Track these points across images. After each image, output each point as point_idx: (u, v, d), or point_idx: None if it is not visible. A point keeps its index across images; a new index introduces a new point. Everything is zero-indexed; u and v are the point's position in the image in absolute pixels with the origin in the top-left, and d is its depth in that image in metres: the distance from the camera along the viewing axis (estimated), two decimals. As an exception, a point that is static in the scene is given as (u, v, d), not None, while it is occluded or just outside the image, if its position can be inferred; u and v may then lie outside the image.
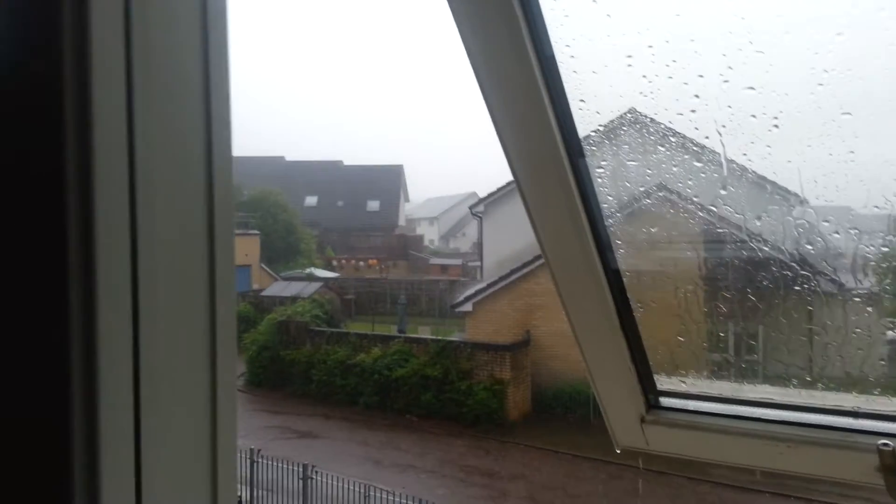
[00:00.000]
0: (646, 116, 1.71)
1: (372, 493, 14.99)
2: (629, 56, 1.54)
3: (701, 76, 1.53)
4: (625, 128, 1.74)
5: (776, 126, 1.53)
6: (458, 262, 52.60)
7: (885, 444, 1.55)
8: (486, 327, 24.43)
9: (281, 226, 50.66)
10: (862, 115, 1.45)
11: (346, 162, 71.68)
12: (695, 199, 1.84)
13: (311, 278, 39.34)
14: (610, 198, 1.74)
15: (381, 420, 22.19)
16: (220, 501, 0.86)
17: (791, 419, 1.74)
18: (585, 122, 1.59)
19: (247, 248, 41.62)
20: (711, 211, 1.80)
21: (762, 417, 1.78)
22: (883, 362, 1.79)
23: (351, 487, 15.12)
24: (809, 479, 1.70)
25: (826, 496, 14.29)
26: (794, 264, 1.75)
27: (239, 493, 15.19)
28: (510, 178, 1.68)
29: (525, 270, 23.67)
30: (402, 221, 69.58)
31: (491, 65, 1.48)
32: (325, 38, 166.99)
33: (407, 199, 74.77)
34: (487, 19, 1.41)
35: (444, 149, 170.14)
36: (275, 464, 16.12)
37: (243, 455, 15.85)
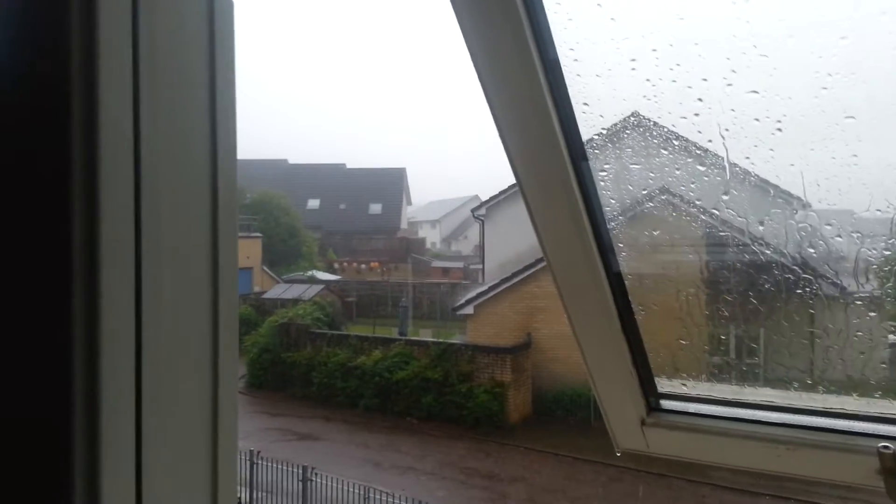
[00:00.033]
0: (649, 120, 1.71)
1: (372, 495, 14.97)
2: (633, 59, 1.54)
3: (704, 80, 1.53)
4: (628, 131, 1.75)
5: (779, 130, 1.53)
6: (459, 264, 52.55)
7: (886, 447, 1.55)
8: (487, 330, 24.41)
9: (283, 228, 50.64)
10: (865, 118, 1.46)
11: (349, 165, 71.75)
12: (697, 202, 1.84)
13: (313, 281, 39.29)
14: (612, 201, 1.74)
15: (381, 422, 22.17)
16: (220, 502, 0.87)
17: (792, 422, 1.74)
18: (588, 126, 1.59)
19: (249, 251, 41.58)
20: (714, 214, 1.80)
21: (763, 420, 1.78)
22: (884, 365, 1.79)
23: (351, 489, 15.10)
24: (810, 481, 1.70)
25: (826, 499, 14.26)
26: (796, 267, 1.75)
27: (238, 495, 15.19)
28: (512, 181, 1.68)
29: (526, 273, 23.65)
30: (404, 224, 69.56)
31: (494, 68, 1.49)
32: (329, 42, 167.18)
33: (409, 202, 74.77)
34: (491, 23, 1.42)
35: (447, 152, 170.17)
36: (274, 465, 16.11)
37: (243, 456, 15.83)
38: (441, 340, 24.67)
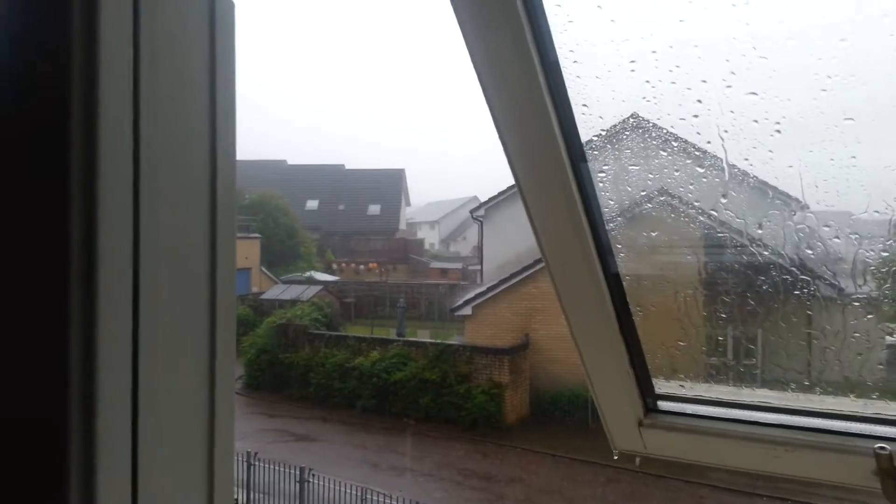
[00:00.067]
0: (648, 121, 1.71)
1: (369, 497, 14.97)
2: (632, 61, 1.54)
3: (704, 81, 1.53)
4: (627, 132, 1.75)
5: (778, 131, 1.53)
6: (458, 265, 52.56)
7: (882, 448, 1.55)
8: (485, 331, 24.41)
9: (282, 229, 50.63)
10: (864, 120, 1.46)
11: (348, 166, 71.71)
12: (696, 203, 1.85)
13: (311, 282, 39.28)
14: (611, 202, 1.75)
15: (378, 423, 22.16)
16: (216, 502, 0.87)
17: (789, 423, 1.74)
18: (588, 127, 1.59)
19: (247, 252, 41.56)
20: (712, 216, 1.80)
21: (760, 421, 1.78)
22: (881, 366, 1.79)
23: (348, 491, 15.09)
24: (807, 482, 1.70)
25: (824, 499, 14.28)
26: (794, 269, 1.75)
27: (236, 496, 15.18)
28: (511, 182, 1.68)
29: (525, 274, 23.65)
30: (402, 225, 69.52)
31: (494, 69, 1.49)
32: (328, 43, 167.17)
33: (408, 203, 74.72)
34: (491, 24, 1.42)
35: (446, 153, 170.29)
36: (272, 467, 16.10)
37: (240, 458, 15.83)
38: (439, 341, 24.67)
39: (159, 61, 0.77)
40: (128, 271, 0.74)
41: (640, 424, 1.93)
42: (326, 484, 15.51)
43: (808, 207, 1.65)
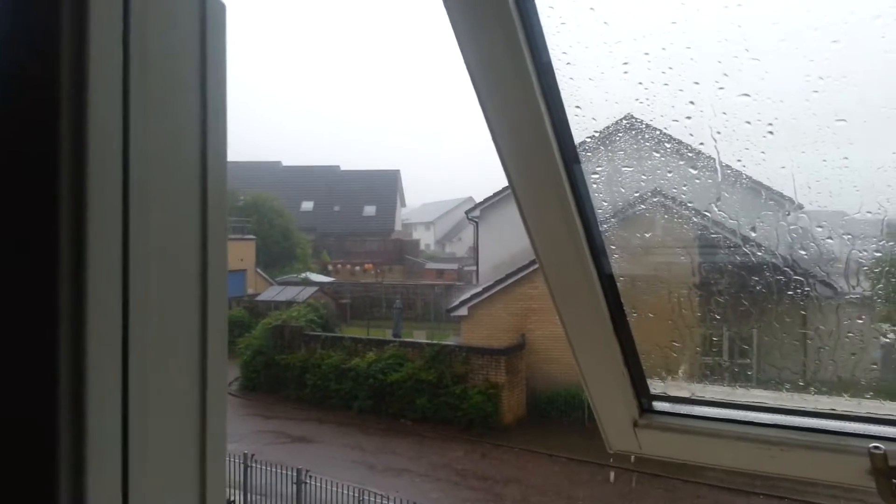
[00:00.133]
0: (641, 123, 1.71)
1: (366, 498, 14.96)
2: (625, 63, 1.55)
3: (696, 83, 1.53)
4: (620, 134, 1.75)
5: (771, 132, 1.53)
6: (453, 266, 52.55)
7: (877, 448, 1.56)
8: (481, 331, 24.42)
9: (277, 230, 50.55)
10: (856, 121, 1.46)
11: (343, 167, 71.63)
12: (689, 204, 1.85)
13: (307, 283, 39.23)
14: (605, 203, 1.75)
15: (375, 424, 22.15)
16: (208, 503, 0.86)
17: (784, 423, 1.75)
18: (581, 129, 1.59)
19: (242, 253, 41.47)
20: (706, 216, 1.81)
21: (755, 421, 1.78)
22: (875, 366, 1.80)
23: (345, 492, 15.09)
24: (802, 481, 1.71)
25: (819, 498, 14.31)
26: (787, 269, 1.76)
27: (233, 499, 15.16)
28: (506, 183, 1.68)
29: (520, 275, 23.67)
30: (398, 226, 69.51)
31: (487, 71, 1.49)
32: (322, 44, 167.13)
33: (403, 204, 74.72)
34: (484, 25, 1.42)
35: (441, 154, 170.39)
36: (268, 468, 16.08)
37: (237, 460, 15.81)
38: (435, 342, 24.69)
39: (149, 62, 0.77)
40: (117, 271, 0.74)
41: (636, 425, 1.93)
42: (323, 485, 15.51)
43: (801, 208, 1.65)
